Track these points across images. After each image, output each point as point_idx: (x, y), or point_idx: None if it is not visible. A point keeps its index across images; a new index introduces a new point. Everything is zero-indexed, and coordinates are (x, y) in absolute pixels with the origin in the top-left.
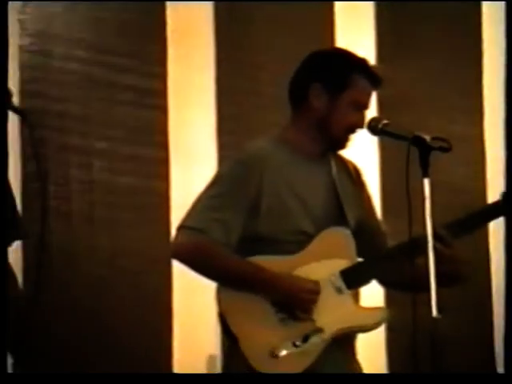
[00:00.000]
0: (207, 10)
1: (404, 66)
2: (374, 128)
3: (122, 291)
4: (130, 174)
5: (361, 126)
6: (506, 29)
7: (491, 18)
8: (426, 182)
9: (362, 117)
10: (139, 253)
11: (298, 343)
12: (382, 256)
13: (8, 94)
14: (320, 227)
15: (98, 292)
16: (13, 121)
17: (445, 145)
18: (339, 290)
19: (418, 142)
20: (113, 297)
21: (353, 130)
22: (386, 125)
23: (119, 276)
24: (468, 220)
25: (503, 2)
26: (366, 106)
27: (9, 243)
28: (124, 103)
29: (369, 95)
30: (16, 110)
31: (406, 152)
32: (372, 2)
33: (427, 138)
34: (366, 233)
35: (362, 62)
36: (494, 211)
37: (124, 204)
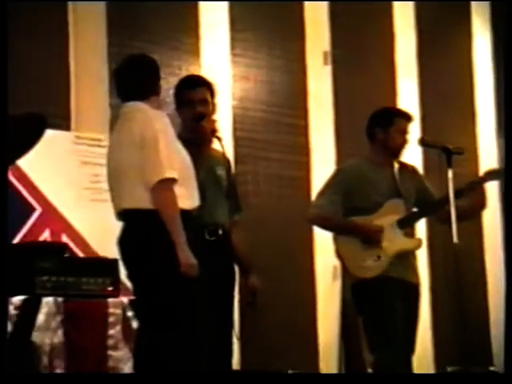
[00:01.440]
0: (328, 85)
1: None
2: (421, 142)
3: (283, 234)
4: (290, 169)
5: (406, 143)
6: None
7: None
8: (450, 171)
9: (405, 139)
10: (294, 213)
11: (374, 259)
12: (420, 211)
13: (214, 131)
14: (386, 200)
15: (273, 233)
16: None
17: (460, 150)
18: (396, 230)
19: (445, 149)
20: (278, 234)
21: (402, 147)
22: (427, 140)
23: (282, 225)
24: (466, 187)
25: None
26: (406, 132)
27: (232, 216)
28: (286, 132)
29: (406, 126)
30: (216, 136)
31: (439, 155)
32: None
33: (450, 146)
34: (424, 202)
35: (398, 110)
36: (480, 182)
37: (286, 185)
